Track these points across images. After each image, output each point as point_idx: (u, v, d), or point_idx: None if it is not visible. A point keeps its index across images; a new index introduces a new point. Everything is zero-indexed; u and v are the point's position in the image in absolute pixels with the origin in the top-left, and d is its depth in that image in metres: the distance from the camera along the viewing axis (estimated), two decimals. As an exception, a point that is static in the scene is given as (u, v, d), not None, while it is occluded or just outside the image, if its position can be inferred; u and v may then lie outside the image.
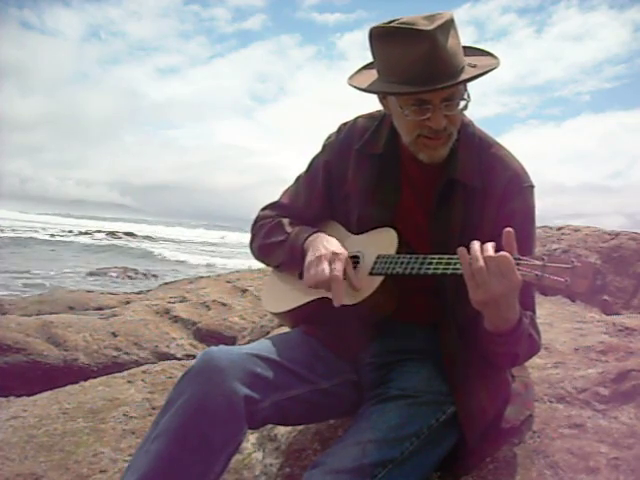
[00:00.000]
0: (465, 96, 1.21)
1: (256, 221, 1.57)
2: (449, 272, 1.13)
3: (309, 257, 1.31)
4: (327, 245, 1.31)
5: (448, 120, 1.21)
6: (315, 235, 1.36)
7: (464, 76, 1.16)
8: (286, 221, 1.48)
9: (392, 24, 1.17)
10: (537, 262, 1.01)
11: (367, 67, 1.33)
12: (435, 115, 1.18)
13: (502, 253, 1.02)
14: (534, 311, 1.29)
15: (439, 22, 1.13)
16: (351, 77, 1.31)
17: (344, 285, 1.28)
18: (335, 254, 1.27)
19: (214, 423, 1.12)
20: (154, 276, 11.70)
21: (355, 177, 1.41)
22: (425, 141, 1.23)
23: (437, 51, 1.12)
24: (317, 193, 1.49)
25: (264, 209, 1.59)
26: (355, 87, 1.26)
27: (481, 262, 1.03)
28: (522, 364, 1.43)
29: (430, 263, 1.18)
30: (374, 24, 1.21)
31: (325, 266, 1.25)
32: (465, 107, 1.23)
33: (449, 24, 1.15)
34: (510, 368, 1.36)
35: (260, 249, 1.53)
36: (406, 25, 1.14)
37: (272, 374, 1.23)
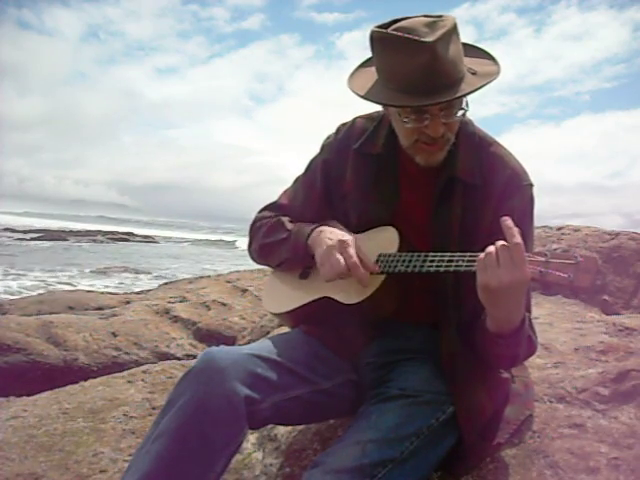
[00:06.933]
0: (464, 105, 1.21)
1: (254, 222, 1.56)
2: (452, 269, 1.13)
3: (319, 253, 1.31)
4: (332, 236, 1.31)
5: (446, 127, 1.21)
6: (318, 230, 1.36)
7: (464, 87, 1.16)
8: (286, 219, 1.48)
9: (393, 29, 1.15)
10: (540, 258, 1.01)
11: (365, 64, 1.32)
12: (433, 123, 1.19)
13: (515, 242, 1.00)
14: (530, 311, 1.29)
15: (440, 32, 1.11)
16: (350, 78, 1.30)
17: (345, 284, 1.28)
18: (342, 241, 1.27)
19: (215, 423, 1.12)
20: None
21: (353, 177, 1.41)
22: (423, 146, 1.24)
23: (437, 63, 1.12)
24: (316, 193, 1.48)
25: (262, 210, 1.58)
26: (356, 93, 1.25)
27: (492, 248, 1.03)
28: (520, 364, 1.43)
29: (432, 261, 1.18)
30: (373, 24, 1.20)
31: (338, 256, 1.25)
32: (463, 115, 1.23)
33: (450, 32, 1.14)
34: (508, 369, 1.36)
35: (261, 249, 1.52)
36: (406, 34, 1.12)
37: (273, 374, 1.23)
